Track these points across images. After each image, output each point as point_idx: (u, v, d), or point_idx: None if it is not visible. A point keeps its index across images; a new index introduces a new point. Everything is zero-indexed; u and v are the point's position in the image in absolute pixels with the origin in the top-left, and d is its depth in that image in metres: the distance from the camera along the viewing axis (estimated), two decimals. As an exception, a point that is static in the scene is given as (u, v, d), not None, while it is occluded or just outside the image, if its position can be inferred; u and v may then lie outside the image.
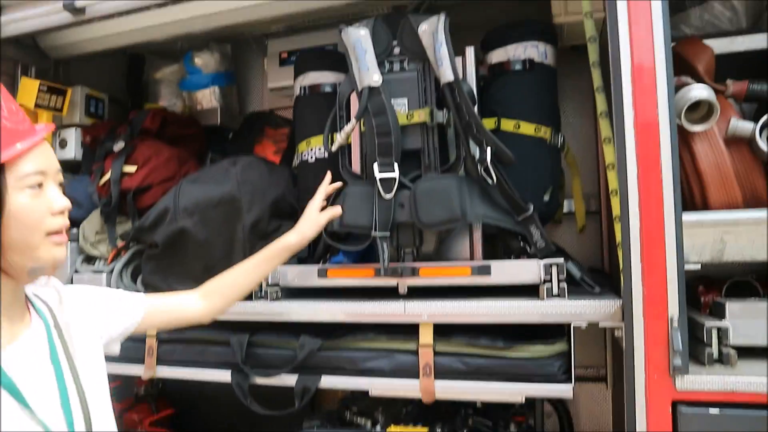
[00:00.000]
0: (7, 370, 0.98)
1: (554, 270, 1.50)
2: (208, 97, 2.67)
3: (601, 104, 1.43)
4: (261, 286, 1.77)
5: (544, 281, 1.51)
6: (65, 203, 1.05)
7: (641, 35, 1.35)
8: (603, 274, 2.08)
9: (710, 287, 1.52)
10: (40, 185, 1.02)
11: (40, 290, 1.18)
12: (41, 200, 1.03)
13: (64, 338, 1.12)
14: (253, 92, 2.91)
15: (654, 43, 1.34)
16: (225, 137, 2.66)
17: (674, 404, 1.29)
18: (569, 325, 1.49)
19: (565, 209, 2.20)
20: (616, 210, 1.39)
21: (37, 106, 2.28)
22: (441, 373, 1.59)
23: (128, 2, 1.90)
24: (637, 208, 1.33)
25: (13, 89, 2.36)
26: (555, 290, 1.50)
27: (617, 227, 1.39)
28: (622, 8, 1.36)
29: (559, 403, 2.17)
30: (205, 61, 2.63)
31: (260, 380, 1.76)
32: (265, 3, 1.94)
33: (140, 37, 2.22)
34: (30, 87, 2.28)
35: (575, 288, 1.58)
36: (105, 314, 1.25)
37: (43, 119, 2.34)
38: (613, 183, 1.40)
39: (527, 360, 1.52)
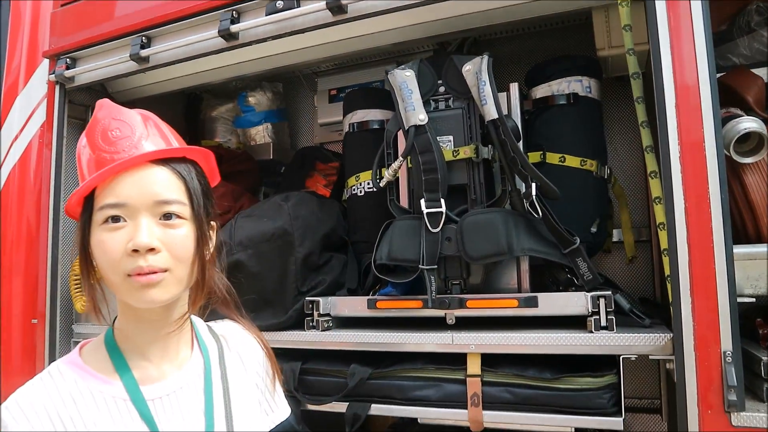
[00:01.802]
0: (154, 413, 0.95)
1: (602, 302, 1.51)
2: (261, 134, 2.79)
3: (646, 139, 1.45)
4: (313, 316, 1.83)
5: (592, 313, 1.51)
6: (140, 241, 0.90)
7: (685, 67, 1.36)
8: (654, 305, 2.06)
9: (768, 320, 1.50)
10: (115, 219, 0.92)
11: (219, 325, 1.16)
12: (119, 237, 0.92)
13: (227, 379, 1.06)
14: (304, 127, 3.02)
15: (698, 74, 1.34)
16: (277, 171, 2.77)
17: (730, 441, 1.27)
18: (618, 357, 1.49)
19: (615, 239, 2.19)
20: (663, 243, 1.39)
21: (105, 146, 2.43)
22: (489, 402, 1.60)
23: (186, 49, 2.02)
24: (686, 241, 1.33)
25: (82, 131, 2.53)
26: (603, 322, 1.50)
27: (665, 260, 1.39)
28: (664, 41, 1.38)
29: (611, 436, 2.13)
30: (257, 100, 2.76)
31: (312, 406, 1.81)
32: (314, 47, 2.03)
33: (197, 81, 2.34)
34: (99, 129, 2.44)
35: (625, 319, 1.58)
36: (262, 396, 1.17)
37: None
38: (660, 216, 1.40)
39: (576, 391, 1.52)
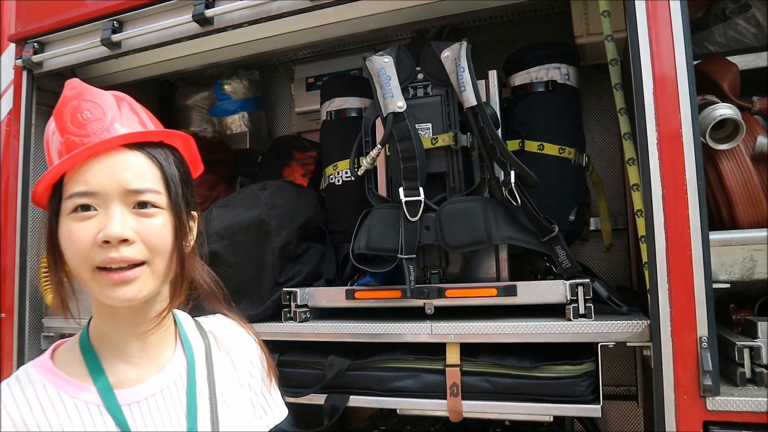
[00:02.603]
0: (129, 419, 0.89)
1: (580, 290, 1.51)
2: (237, 122, 2.74)
3: (624, 125, 1.45)
4: (290, 307, 1.81)
5: (570, 301, 1.51)
6: (111, 231, 0.83)
7: (662, 54, 1.36)
8: (631, 292, 2.07)
9: (742, 305, 1.51)
10: (85, 207, 0.85)
11: (209, 320, 1.09)
12: (89, 227, 0.85)
13: (213, 379, 1.00)
14: (281, 116, 2.98)
15: (676, 61, 1.35)
16: (254, 161, 2.72)
17: (705, 425, 1.27)
18: (596, 344, 1.49)
19: (592, 227, 2.20)
20: (641, 230, 1.40)
21: (75, 134, 2.36)
22: (468, 392, 1.60)
23: (159, 34, 1.97)
24: (663, 228, 1.33)
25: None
26: (581, 310, 1.50)
27: (643, 247, 1.39)
28: (642, 28, 1.37)
29: (588, 422, 2.15)
30: (234, 88, 2.71)
31: (290, 399, 1.78)
32: (291, 33, 1.99)
33: (172, 68, 2.29)
34: (69, 117, 2.37)
35: (603, 307, 1.58)
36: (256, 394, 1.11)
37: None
38: (638, 203, 1.41)
39: (554, 380, 1.52)
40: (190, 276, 0.98)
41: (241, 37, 2.05)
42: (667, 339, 1.31)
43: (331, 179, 2.00)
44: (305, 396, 1.76)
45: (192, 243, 1.00)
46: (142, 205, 0.88)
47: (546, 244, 1.58)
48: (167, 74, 2.44)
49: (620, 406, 2.24)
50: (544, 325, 1.51)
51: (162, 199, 0.90)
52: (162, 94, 2.96)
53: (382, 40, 2.48)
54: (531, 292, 1.58)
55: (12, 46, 2.45)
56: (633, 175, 1.42)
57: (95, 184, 0.85)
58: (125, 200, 0.87)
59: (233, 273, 1.87)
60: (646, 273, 1.38)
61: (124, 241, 0.85)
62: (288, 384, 1.79)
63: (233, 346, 1.09)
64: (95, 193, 0.85)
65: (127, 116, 0.93)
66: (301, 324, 1.79)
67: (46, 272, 2.35)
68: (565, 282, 1.52)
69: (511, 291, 1.58)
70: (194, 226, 1.01)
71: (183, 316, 1.09)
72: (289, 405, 1.78)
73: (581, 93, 1.89)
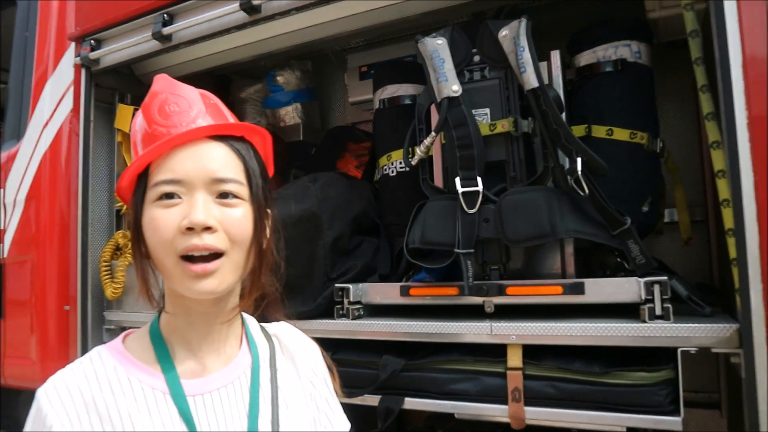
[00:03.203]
0: (194, 410, 0.88)
1: (656, 289, 1.37)
2: (290, 114, 2.70)
3: (706, 105, 1.29)
4: (343, 303, 1.75)
5: (645, 301, 1.38)
6: (195, 218, 0.82)
7: (753, 25, 1.20)
8: (713, 291, 1.89)
9: None
10: (169, 196, 0.85)
11: (273, 326, 1.08)
12: (173, 214, 0.84)
13: (276, 382, 0.98)
14: (335, 107, 2.93)
15: (768, 33, 1.19)
16: (308, 153, 2.68)
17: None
18: (676, 349, 1.35)
19: (667, 219, 2.03)
20: (728, 222, 1.24)
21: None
22: (531, 398, 1.49)
23: (209, 25, 1.94)
24: (755, 219, 1.18)
25: (111, 116, 2.49)
26: (658, 311, 1.36)
27: (730, 242, 1.24)
28: (728, -6, 1.22)
29: (664, 432, 1.99)
30: (286, 79, 2.67)
31: (343, 399, 1.72)
32: (340, 20, 1.92)
33: (224, 59, 2.27)
34: (126, 113, 2.40)
35: (681, 307, 1.43)
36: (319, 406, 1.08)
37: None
38: (723, 192, 1.25)
39: (628, 387, 1.39)
40: (267, 270, 0.98)
41: (291, 26, 1.99)
42: (761, 345, 1.16)
43: (385, 170, 1.92)
44: (358, 396, 1.69)
45: (269, 238, 0.99)
46: (225, 195, 0.88)
47: (617, 237, 1.44)
48: (220, 66, 2.42)
49: (700, 414, 2.05)
50: (616, 327, 1.38)
51: (244, 190, 0.90)
52: (217, 88, 2.95)
53: (436, 26, 2.36)
54: (600, 290, 1.45)
55: (72, 48, 2.50)
56: (718, 160, 1.26)
57: (181, 172, 0.86)
58: (209, 189, 0.87)
59: (284, 268, 1.82)
60: (735, 270, 1.23)
61: (207, 228, 0.85)
62: (340, 383, 1.72)
63: (297, 353, 1.07)
64: (180, 180, 0.86)
65: (212, 111, 0.94)
66: (353, 321, 1.73)
67: (106, 266, 2.39)
68: (639, 279, 1.39)
69: (578, 289, 1.46)
70: (269, 223, 0.99)
71: (249, 318, 1.08)
72: (342, 405, 1.74)
73: (654, 72, 1.73)
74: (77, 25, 2.43)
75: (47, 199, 2.62)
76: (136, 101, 2.55)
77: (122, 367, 0.90)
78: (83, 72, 2.39)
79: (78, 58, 2.35)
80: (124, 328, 2.39)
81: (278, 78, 2.68)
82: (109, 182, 2.55)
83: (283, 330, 1.10)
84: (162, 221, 0.85)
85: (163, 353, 0.93)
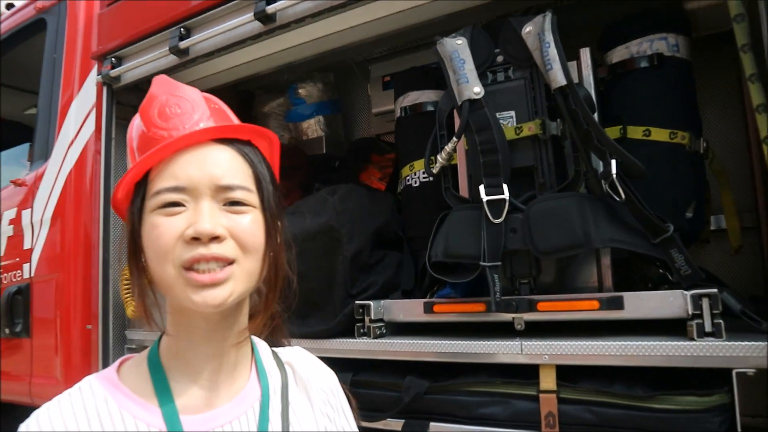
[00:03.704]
0: None
1: (705, 302, 1.23)
2: (313, 127, 2.65)
3: (756, 96, 1.16)
4: (364, 321, 1.66)
5: (693, 316, 1.24)
6: (202, 228, 0.76)
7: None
8: (766, 303, 1.73)
9: None
10: (172, 204, 0.78)
11: (287, 351, 1.00)
12: (177, 221, 0.78)
13: (287, 418, 0.89)
14: (359, 119, 2.87)
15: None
16: (332, 166, 2.61)
17: None
18: (729, 371, 1.21)
19: (713, 226, 1.88)
20: (786, 227, 1.11)
21: (155, 147, 2.37)
22: (567, 423, 1.36)
23: (224, 37, 1.91)
24: (817, 223, 1.05)
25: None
26: (708, 327, 1.23)
27: (789, 248, 1.11)
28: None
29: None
30: (308, 92, 2.62)
31: (365, 423, 1.63)
32: (358, 26, 1.85)
33: (243, 72, 2.23)
34: (148, 129, 2.38)
35: (734, 323, 1.29)
36: None
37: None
38: (780, 193, 1.12)
39: (677, 413, 1.25)
40: (283, 281, 0.90)
41: (308, 35, 1.93)
42: (830, 365, 1.02)
43: (408, 181, 1.84)
44: (380, 421, 1.59)
45: (281, 246, 0.91)
46: (233, 202, 0.81)
47: (658, 246, 1.32)
48: (240, 80, 2.38)
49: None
50: (661, 345, 1.25)
51: (253, 197, 0.83)
52: (240, 104, 2.93)
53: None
54: (641, 304, 1.32)
55: (96, 68, 2.51)
56: (772, 158, 1.13)
57: (185, 179, 0.79)
58: (215, 196, 0.80)
59: (303, 285, 1.74)
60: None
61: (215, 238, 0.78)
62: (361, 407, 1.61)
63: (312, 383, 0.97)
64: (184, 188, 0.79)
65: (216, 114, 0.88)
66: (375, 340, 1.64)
67: (127, 284, 2.36)
68: (686, 292, 1.26)
69: (617, 303, 1.34)
70: (278, 236, 0.91)
71: (260, 344, 0.99)
72: (363, 430, 1.64)
73: (693, 68, 1.60)
74: (99, 44, 2.44)
75: (72, 218, 2.63)
76: (159, 118, 2.53)
77: (114, 400, 0.81)
78: (105, 90, 2.39)
79: (99, 76, 2.35)
80: (146, 347, 2.37)
81: (300, 91, 2.63)
82: (131, 200, 2.53)
83: (298, 357, 1.00)
84: (163, 228, 0.77)
85: (161, 384, 0.84)
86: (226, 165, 0.82)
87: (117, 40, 2.30)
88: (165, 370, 0.85)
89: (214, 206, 0.79)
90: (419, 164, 1.80)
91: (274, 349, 0.99)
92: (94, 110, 2.57)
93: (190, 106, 0.83)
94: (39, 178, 2.79)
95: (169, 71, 2.19)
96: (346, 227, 1.71)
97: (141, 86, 2.41)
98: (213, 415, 0.84)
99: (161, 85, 0.86)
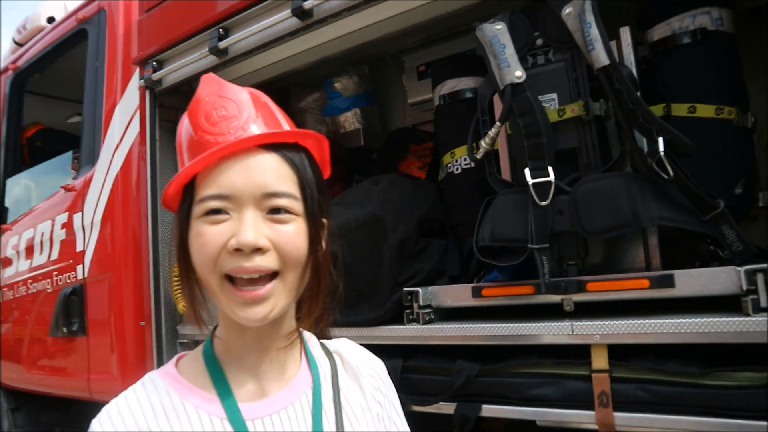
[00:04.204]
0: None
1: (760, 277, 1.22)
2: (350, 120, 2.68)
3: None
4: (412, 308, 1.68)
5: (748, 292, 1.23)
6: (244, 239, 0.77)
7: None
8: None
9: None
10: (216, 211, 0.80)
11: (334, 342, 1.02)
12: (221, 230, 0.79)
13: (339, 402, 0.92)
14: (395, 110, 2.89)
15: None
16: (370, 158, 2.64)
17: None
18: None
19: (761, 203, 1.84)
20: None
21: (198, 147, 2.43)
22: (620, 402, 1.36)
23: (263, 35, 1.95)
24: None
25: (174, 135, 2.55)
26: (764, 302, 1.22)
27: None
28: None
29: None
30: (344, 85, 2.65)
31: (417, 408, 1.66)
32: (394, 17, 1.87)
33: (281, 69, 2.27)
34: (190, 130, 2.44)
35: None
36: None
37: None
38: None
39: (734, 389, 1.24)
40: (326, 288, 0.91)
41: (344, 29, 1.96)
42: None
43: (449, 168, 1.85)
44: (433, 405, 1.62)
45: (324, 252, 0.91)
46: (276, 210, 0.81)
47: (709, 223, 1.31)
48: (278, 77, 2.42)
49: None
50: (716, 322, 1.24)
51: (297, 205, 0.83)
52: (276, 101, 2.95)
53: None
54: (692, 282, 1.31)
55: (137, 72, 2.59)
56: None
57: (228, 187, 0.80)
58: (259, 205, 0.81)
59: (350, 274, 1.77)
60: None
61: (257, 249, 0.79)
62: (412, 392, 1.66)
63: (361, 370, 0.99)
64: (228, 196, 0.80)
65: (263, 115, 0.87)
66: (424, 326, 1.67)
67: (177, 281, 2.43)
68: (739, 268, 1.24)
69: (668, 281, 1.33)
70: (324, 233, 0.92)
71: (309, 335, 1.02)
72: (414, 414, 1.67)
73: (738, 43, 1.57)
74: (140, 49, 2.51)
75: (120, 219, 2.72)
76: (199, 118, 2.59)
77: (176, 393, 0.85)
78: (147, 93, 2.46)
79: (142, 81, 2.42)
80: (197, 342, 2.44)
81: (336, 84, 2.66)
82: (177, 199, 2.60)
83: (345, 346, 1.03)
84: (207, 237, 0.79)
85: (218, 376, 0.88)
86: (271, 172, 0.82)
87: (157, 44, 2.37)
88: (220, 362, 0.89)
89: (257, 216, 0.80)
90: (460, 151, 1.81)
91: (321, 341, 1.02)
92: (137, 114, 2.65)
93: (237, 108, 0.84)
94: (88, 183, 2.89)
95: (210, 71, 2.24)
96: (391, 216, 1.73)
97: (181, 88, 2.48)
98: (268, 402, 0.87)
99: (209, 85, 0.86)
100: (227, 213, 0.80)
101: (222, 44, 2.03)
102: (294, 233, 0.82)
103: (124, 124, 2.75)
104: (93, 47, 3.04)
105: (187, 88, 2.53)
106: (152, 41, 2.40)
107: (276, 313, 0.82)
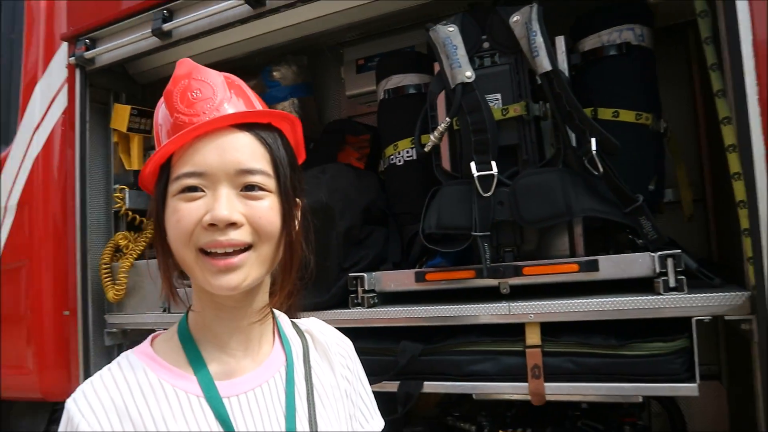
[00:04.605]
0: (230, 412, 0.86)
1: (670, 262, 1.42)
2: (287, 109, 2.69)
3: (717, 83, 1.34)
4: (357, 293, 1.76)
5: (659, 274, 1.42)
6: (218, 214, 0.79)
7: (763, 4, 1.26)
8: (712, 265, 1.96)
9: None
10: (192, 188, 0.82)
11: (305, 321, 1.05)
12: (196, 207, 0.81)
13: (311, 380, 0.95)
14: (331, 102, 2.93)
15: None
16: (307, 147, 2.67)
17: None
18: (689, 319, 1.40)
19: (665, 198, 2.09)
20: (740, 195, 1.29)
21: (129, 129, 2.36)
22: (551, 374, 1.53)
23: (212, 20, 1.94)
24: (766, 190, 1.23)
25: (106, 115, 2.47)
26: (672, 283, 1.41)
27: (742, 213, 1.29)
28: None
29: (670, 403, 2.04)
30: (282, 74, 2.66)
31: (360, 387, 1.74)
32: (339, 12, 1.94)
33: (222, 55, 2.26)
34: (122, 112, 2.37)
35: (690, 280, 1.48)
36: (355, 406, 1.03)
37: (135, 143, 2.44)
38: (734, 166, 1.30)
39: (645, 358, 1.44)
40: (298, 264, 0.93)
41: (291, 19, 2.01)
42: (775, 310, 1.21)
43: (392, 160, 1.94)
44: (377, 384, 1.70)
45: (297, 230, 0.94)
46: (250, 187, 0.84)
47: (629, 215, 1.49)
48: (217, 63, 2.40)
49: (701, 385, 2.12)
50: (632, 300, 1.42)
51: (270, 182, 0.86)
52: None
53: (432, 18, 2.40)
54: (614, 266, 1.50)
55: (64, 47, 2.47)
56: (729, 135, 1.32)
57: (203, 165, 0.82)
58: (233, 182, 0.83)
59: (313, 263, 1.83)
60: (747, 240, 1.28)
61: (232, 224, 0.82)
62: (360, 371, 1.74)
63: (331, 348, 1.03)
64: (203, 173, 0.82)
65: (237, 96, 0.90)
66: (369, 309, 1.75)
67: (106, 269, 2.36)
68: (653, 254, 1.43)
69: (594, 266, 1.50)
70: (298, 213, 0.96)
71: (280, 315, 1.05)
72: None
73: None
74: (69, 26, 2.40)
75: (41, 203, 2.58)
76: (131, 100, 2.52)
77: (152, 371, 0.86)
78: (77, 72, 2.36)
79: (72, 58, 2.32)
80: (125, 331, 2.38)
81: (274, 73, 2.66)
82: (105, 184, 2.51)
83: (315, 326, 1.07)
84: (183, 213, 0.81)
85: (193, 354, 0.89)
86: (244, 150, 0.84)
87: (91, 20, 2.28)
88: (195, 341, 0.90)
89: (231, 193, 0.82)
90: (403, 144, 1.91)
91: (293, 320, 1.06)
92: (62, 93, 2.53)
93: (211, 90, 0.86)
94: (1, 164, 2.72)
95: (148, 53, 2.20)
96: (339, 204, 1.80)
97: (114, 68, 2.40)
98: (243, 380, 0.89)
99: (185, 68, 0.89)
100: (202, 190, 0.82)
101: (166, 26, 2.00)
102: (267, 209, 0.84)
103: (45, 103, 2.61)
104: (7, 18, 2.86)
105: (119, 69, 2.46)
106: (84, 18, 2.31)
107: (249, 283, 0.84)
